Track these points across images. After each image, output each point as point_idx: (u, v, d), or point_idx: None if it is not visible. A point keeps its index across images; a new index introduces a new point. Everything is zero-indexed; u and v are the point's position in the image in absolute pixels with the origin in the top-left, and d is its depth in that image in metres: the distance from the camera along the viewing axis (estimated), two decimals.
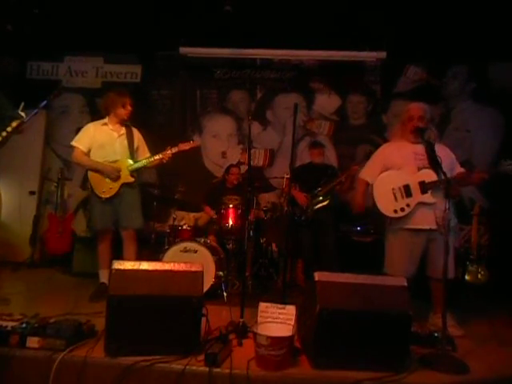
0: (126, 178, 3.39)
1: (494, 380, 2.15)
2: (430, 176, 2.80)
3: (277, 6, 4.19)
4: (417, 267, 2.85)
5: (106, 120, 3.49)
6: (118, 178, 3.36)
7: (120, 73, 5.58)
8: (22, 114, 2.73)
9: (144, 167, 3.51)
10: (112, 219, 3.38)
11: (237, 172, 4.58)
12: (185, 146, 3.49)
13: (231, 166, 4.68)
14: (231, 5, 4.13)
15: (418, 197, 2.81)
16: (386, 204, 2.87)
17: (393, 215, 2.85)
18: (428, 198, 2.80)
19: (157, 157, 3.46)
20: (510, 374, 2.18)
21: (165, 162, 3.47)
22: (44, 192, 5.41)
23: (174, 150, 3.46)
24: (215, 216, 4.16)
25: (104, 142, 3.42)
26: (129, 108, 3.46)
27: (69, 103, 5.56)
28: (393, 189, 2.87)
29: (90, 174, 3.41)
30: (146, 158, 3.50)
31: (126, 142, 3.47)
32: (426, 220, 2.78)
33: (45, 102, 2.90)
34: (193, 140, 3.68)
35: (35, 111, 2.79)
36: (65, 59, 5.61)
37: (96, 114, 5.48)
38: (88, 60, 5.59)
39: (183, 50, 5.13)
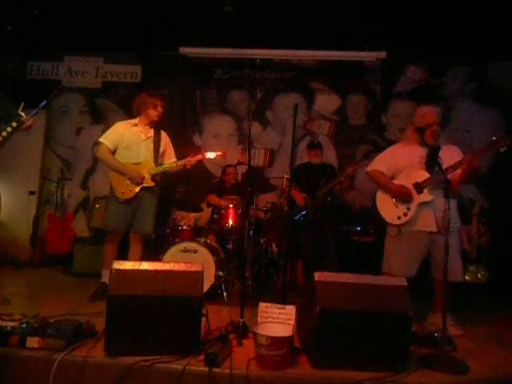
0: (147, 181, 3.40)
1: (493, 380, 2.15)
2: (422, 175, 2.83)
3: (277, 7, 4.19)
4: (416, 269, 2.86)
5: (136, 120, 3.50)
6: (140, 183, 3.36)
7: (120, 73, 5.59)
8: (22, 113, 2.73)
9: (166, 172, 3.52)
10: (126, 221, 3.37)
11: (233, 172, 4.58)
12: (210, 155, 3.53)
13: (227, 166, 4.68)
14: (231, 5, 4.13)
15: (416, 198, 2.84)
16: (389, 212, 2.95)
17: (397, 222, 2.90)
18: (425, 196, 2.82)
19: (180, 163, 3.47)
20: (510, 374, 2.18)
21: (189, 168, 3.47)
22: (44, 192, 5.41)
23: (199, 157, 3.48)
24: (224, 204, 4.13)
25: (130, 142, 3.42)
26: (160, 109, 3.48)
27: (69, 103, 5.56)
28: (392, 196, 2.94)
29: (111, 173, 3.43)
30: (168, 163, 3.51)
31: (152, 145, 3.47)
32: (427, 222, 2.82)
33: (45, 102, 2.89)
34: (220, 150, 3.61)
35: (35, 111, 2.79)
36: (65, 59, 5.61)
37: (96, 114, 5.53)
38: (88, 60, 5.60)
39: (183, 49, 5.15)
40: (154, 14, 4.47)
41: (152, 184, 3.42)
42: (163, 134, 3.59)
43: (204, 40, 4.98)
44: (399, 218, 2.89)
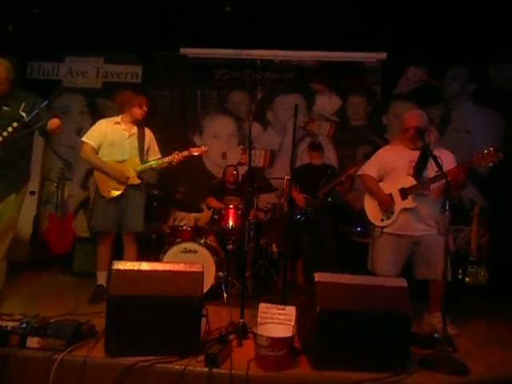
0: (133, 179, 3.36)
1: (494, 380, 2.15)
2: (408, 182, 2.88)
3: (277, 7, 4.19)
4: (401, 269, 2.91)
5: (118, 118, 3.45)
6: (125, 182, 3.33)
7: (120, 73, 5.59)
8: (23, 113, 2.73)
9: (152, 169, 3.49)
10: (115, 221, 3.33)
11: (234, 172, 4.58)
12: (195, 151, 3.50)
13: (228, 166, 4.69)
14: (231, 5, 4.13)
15: (399, 204, 2.90)
16: (374, 214, 3.05)
17: (380, 224, 2.99)
18: (408, 203, 2.86)
19: (166, 159, 3.44)
20: (510, 374, 2.18)
21: (174, 164, 3.45)
22: (44, 192, 5.41)
23: (185, 153, 3.45)
24: (223, 207, 4.13)
25: (114, 140, 3.38)
26: (145, 108, 3.45)
27: (69, 103, 5.55)
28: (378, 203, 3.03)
29: (95, 172, 3.38)
30: (154, 160, 3.48)
31: (136, 142, 3.43)
32: (408, 227, 2.87)
33: (45, 102, 2.89)
34: (204, 146, 3.61)
35: (35, 111, 2.79)
36: (65, 59, 5.60)
37: (96, 115, 5.52)
38: (88, 60, 5.59)
39: (184, 50, 5.16)
40: (154, 15, 4.47)
41: (138, 182, 3.39)
42: (147, 131, 3.55)
43: (204, 40, 4.98)
44: (382, 220, 2.97)
